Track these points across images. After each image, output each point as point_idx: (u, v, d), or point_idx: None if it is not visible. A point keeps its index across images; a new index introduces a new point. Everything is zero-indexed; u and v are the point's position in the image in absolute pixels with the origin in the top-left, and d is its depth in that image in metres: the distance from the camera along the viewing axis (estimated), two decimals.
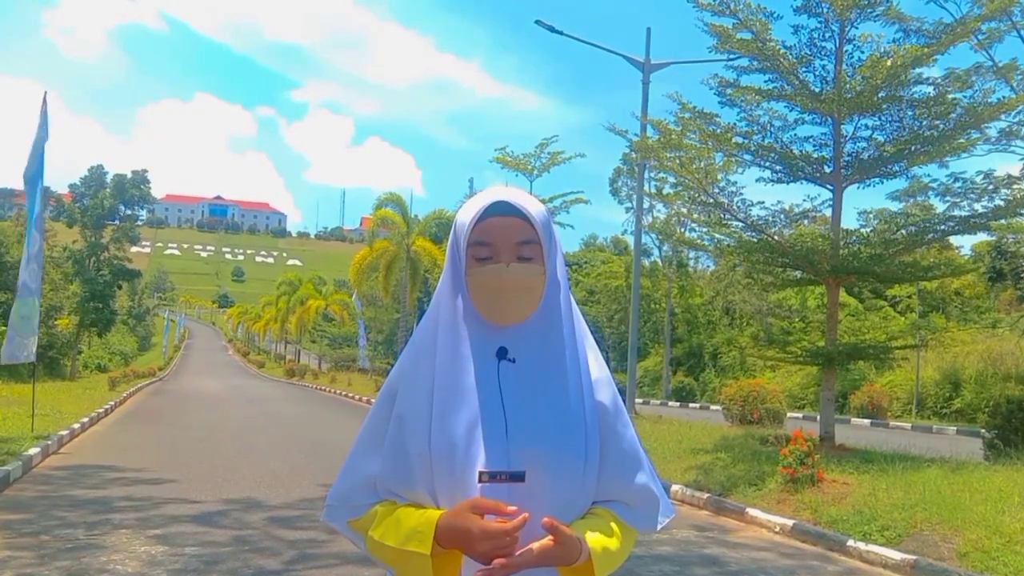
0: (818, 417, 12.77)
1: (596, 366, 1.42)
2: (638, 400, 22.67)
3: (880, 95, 10.87)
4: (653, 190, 17.31)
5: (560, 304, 1.38)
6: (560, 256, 1.40)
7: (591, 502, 1.39)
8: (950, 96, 10.98)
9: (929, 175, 12.28)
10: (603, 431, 1.38)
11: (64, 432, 12.72)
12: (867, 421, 21.34)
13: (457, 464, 1.29)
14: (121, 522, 7.07)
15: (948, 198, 11.72)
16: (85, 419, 15.09)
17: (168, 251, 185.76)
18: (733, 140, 11.60)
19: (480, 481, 1.26)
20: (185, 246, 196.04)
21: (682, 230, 17.75)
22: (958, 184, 11.56)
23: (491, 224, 1.33)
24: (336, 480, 1.43)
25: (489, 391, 1.32)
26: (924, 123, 11.23)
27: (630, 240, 35.13)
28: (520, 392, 1.33)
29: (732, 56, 11.72)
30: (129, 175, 35.92)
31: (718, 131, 11.53)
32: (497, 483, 1.25)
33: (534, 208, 1.35)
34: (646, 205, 22.74)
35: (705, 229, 13.04)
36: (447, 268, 1.40)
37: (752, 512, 8.23)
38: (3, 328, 24.29)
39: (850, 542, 6.89)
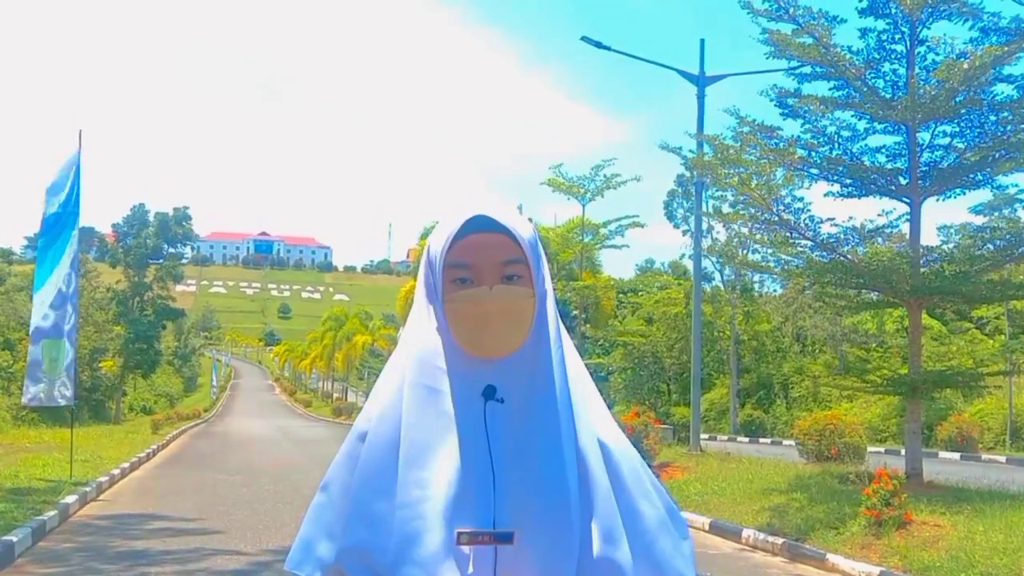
0: (902, 451, 12.20)
1: (599, 405, 1.26)
2: (703, 436, 21.65)
3: (958, 99, 10.24)
4: (711, 210, 16.63)
5: (550, 333, 1.22)
6: (548, 278, 1.25)
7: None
8: None
9: (1017, 184, 11.63)
10: (620, 497, 1.18)
11: (103, 478, 12.58)
12: (956, 455, 19.98)
13: (432, 524, 1.13)
14: (157, 575, 6.91)
15: None
16: (126, 464, 14.94)
17: (214, 289, 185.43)
18: (796, 154, 11.04)
19: (459, 543, 1.12)
20: (231, 283, 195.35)
21: (744, 252, 16.95)
22: None
23: (470, 242, 1.19)
24: (299, 532, 1.26)
25: (474, 437, 1.17)
26: (1009, 127, 10.52)
27: (689, 264, 34.26)
28: (511, 437, 1.18)
29: (793, 66, 11.21)
30: (171, 212, 36.08)
31: (780, 145, 11.01)
32: (479, 544, 1.11)
33: (519, 223, 1.21)
34: (705, 226, 21.93)
35: (770, 250, 12.41)
36: (418, 297, 1.26)
37: (833, 559, 7.76)
38: None
39: None
